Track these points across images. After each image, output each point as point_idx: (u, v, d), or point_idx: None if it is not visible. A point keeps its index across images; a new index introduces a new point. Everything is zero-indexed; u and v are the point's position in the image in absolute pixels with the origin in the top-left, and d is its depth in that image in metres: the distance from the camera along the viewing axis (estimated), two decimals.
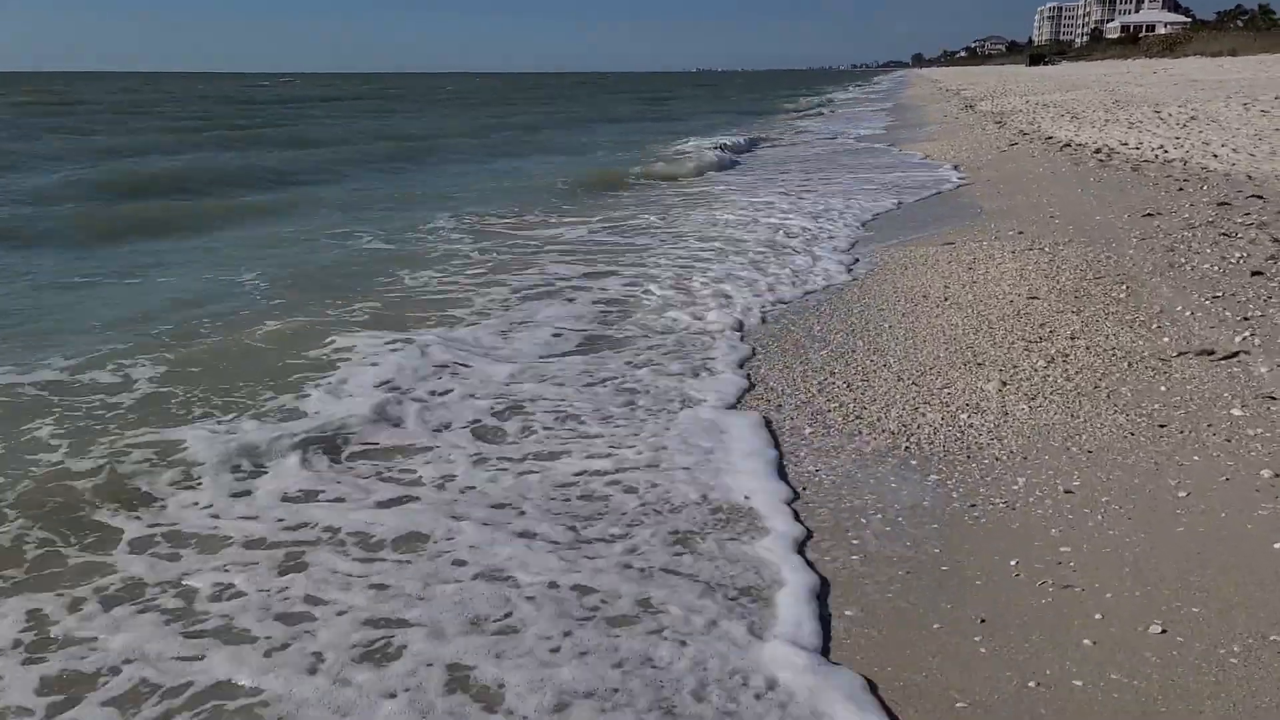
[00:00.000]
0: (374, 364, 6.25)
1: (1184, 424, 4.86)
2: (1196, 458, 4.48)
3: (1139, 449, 4.64)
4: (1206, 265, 7.76)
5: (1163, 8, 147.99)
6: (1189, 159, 14.08)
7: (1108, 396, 5.31)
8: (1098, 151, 16.20)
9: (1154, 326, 6.41)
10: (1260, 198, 10.40)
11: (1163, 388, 5.36)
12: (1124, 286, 7.47)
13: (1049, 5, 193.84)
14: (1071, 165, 14.98)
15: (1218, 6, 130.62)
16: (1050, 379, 5.62)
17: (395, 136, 27.83)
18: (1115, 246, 8.88)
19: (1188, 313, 6.60)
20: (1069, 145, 17.69)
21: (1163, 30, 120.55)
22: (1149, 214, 10.20)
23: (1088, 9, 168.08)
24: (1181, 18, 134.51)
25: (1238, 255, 7.93)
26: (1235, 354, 5.65)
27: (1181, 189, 11.58)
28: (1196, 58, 71.77)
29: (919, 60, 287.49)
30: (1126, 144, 16.73)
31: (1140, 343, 6.12)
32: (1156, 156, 14.77)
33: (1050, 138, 19.37)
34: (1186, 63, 65.38)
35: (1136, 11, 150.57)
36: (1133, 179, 12.90)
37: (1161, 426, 4.85)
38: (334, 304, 7.99)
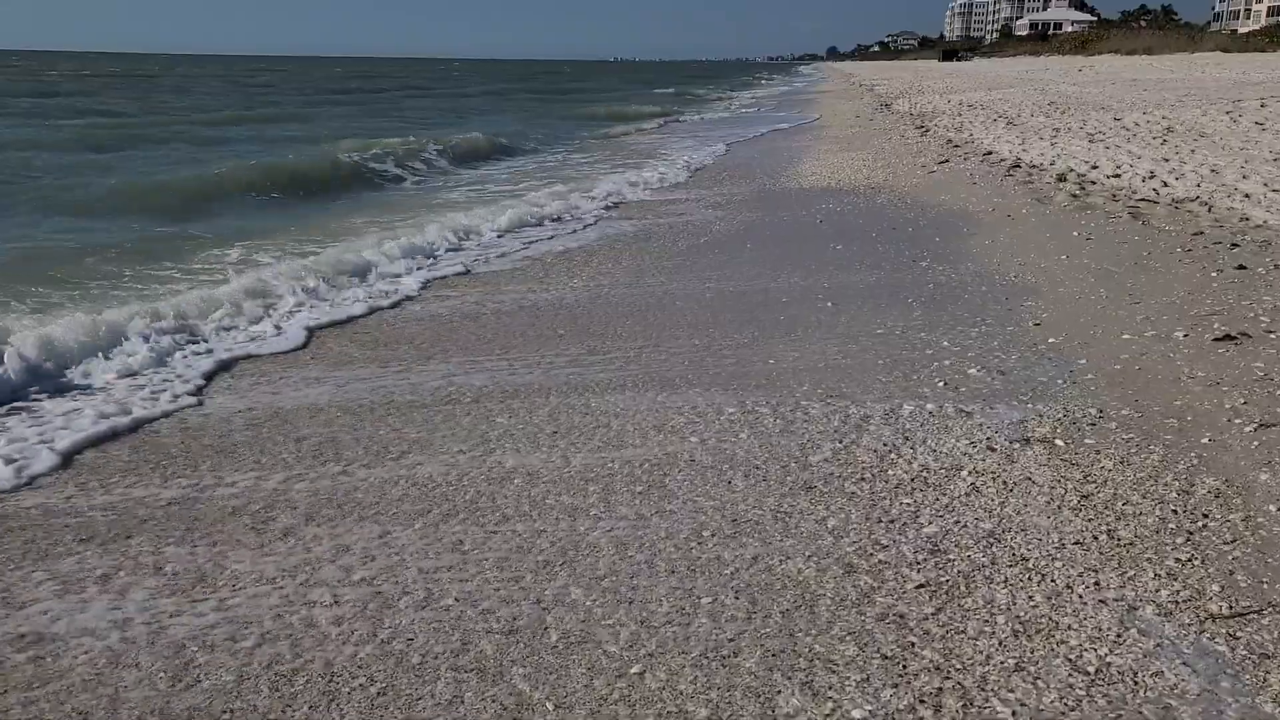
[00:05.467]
0: None
1: None
2: None
3: None
4: None
5: (1069, 6, 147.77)
6: (1209, 199, 9.34)
7: None
8: (1063, 178, 11.40)
9: None
10: None
11: None
12: None
13: (959, 2, 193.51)
14: (1034, 203, 10.11)
15: (1121, 6, 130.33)
16: None
17: None
18: (1223, 471, 3.88)
19: None
20: (1018, 166, 12.90)
21: (1070, 28, 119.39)
22: (1228, 336, 5.28)
23: (997, 6, 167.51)
24: (1088, 16, 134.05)
25: None
26: None
27: (1242, 265, 6.76)
28: (1112, 55, 69.26)
29: (833, 54, 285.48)
30: (1098, 167, 11.98)
31: None
32: (1155, 191, 10.02)
33: (990, 153, 14.57)
34: (1105, 60, 62.51)
35: (1044, 10, 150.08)
36: (1141, 235, 8.07)
37: None
38: None
